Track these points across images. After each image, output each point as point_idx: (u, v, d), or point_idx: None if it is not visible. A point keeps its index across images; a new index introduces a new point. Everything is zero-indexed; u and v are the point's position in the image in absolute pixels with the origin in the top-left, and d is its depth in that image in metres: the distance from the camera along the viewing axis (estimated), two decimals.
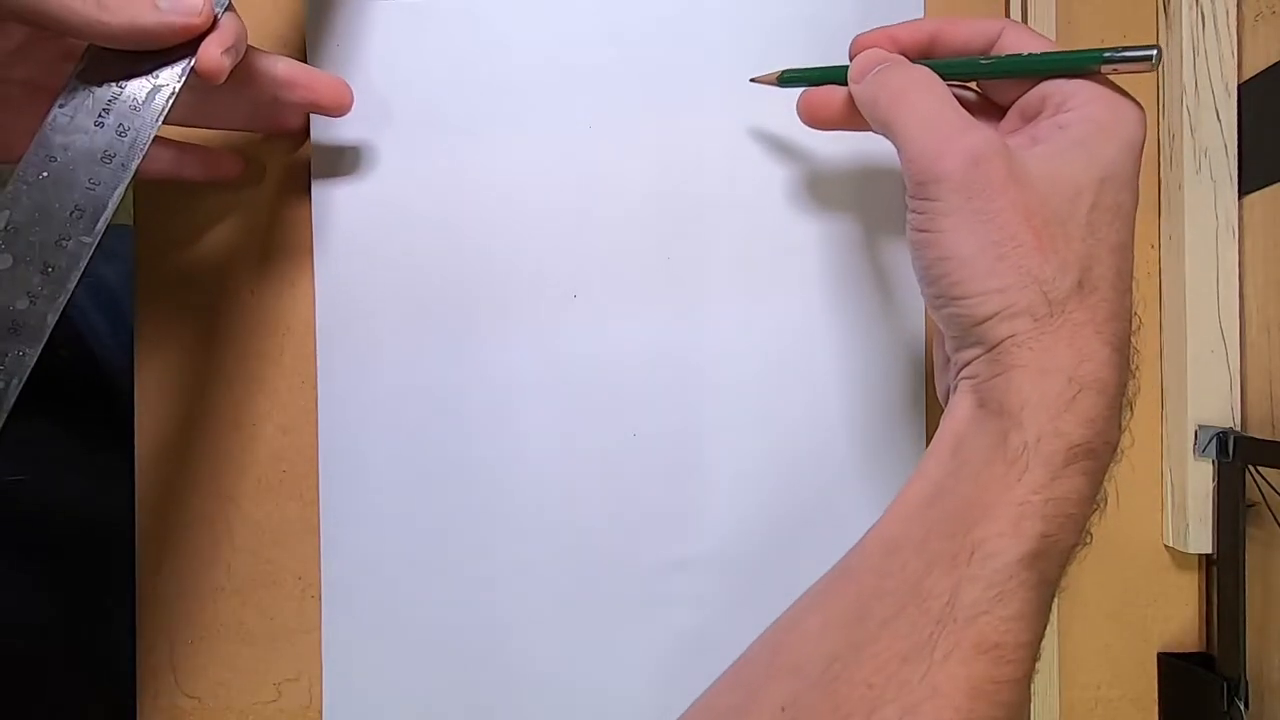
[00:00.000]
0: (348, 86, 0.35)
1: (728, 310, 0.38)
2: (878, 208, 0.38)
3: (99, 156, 0.28)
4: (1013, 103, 0.30)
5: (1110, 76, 0.28)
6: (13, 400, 0.27)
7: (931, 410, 0.38)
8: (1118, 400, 0.26)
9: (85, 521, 0.37)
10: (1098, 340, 0.26)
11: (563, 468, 0.38)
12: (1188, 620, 0.40)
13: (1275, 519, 0.36)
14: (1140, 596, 0.40)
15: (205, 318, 0.38)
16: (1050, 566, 0.25)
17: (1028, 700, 0.25)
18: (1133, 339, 0.27)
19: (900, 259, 0.38)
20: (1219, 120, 0.38)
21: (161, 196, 0.38)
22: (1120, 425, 0.26)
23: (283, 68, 0.33)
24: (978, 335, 0.26)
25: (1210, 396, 0.38)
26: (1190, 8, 0.38)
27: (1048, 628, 0.38)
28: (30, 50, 0.29)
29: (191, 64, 0.28)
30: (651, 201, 0.38)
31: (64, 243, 0.27)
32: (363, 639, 0.38)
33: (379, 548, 0.38)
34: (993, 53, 0.30)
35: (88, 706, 0.41)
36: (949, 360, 0.28)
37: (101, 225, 0.27)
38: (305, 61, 0.37)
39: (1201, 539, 0.38)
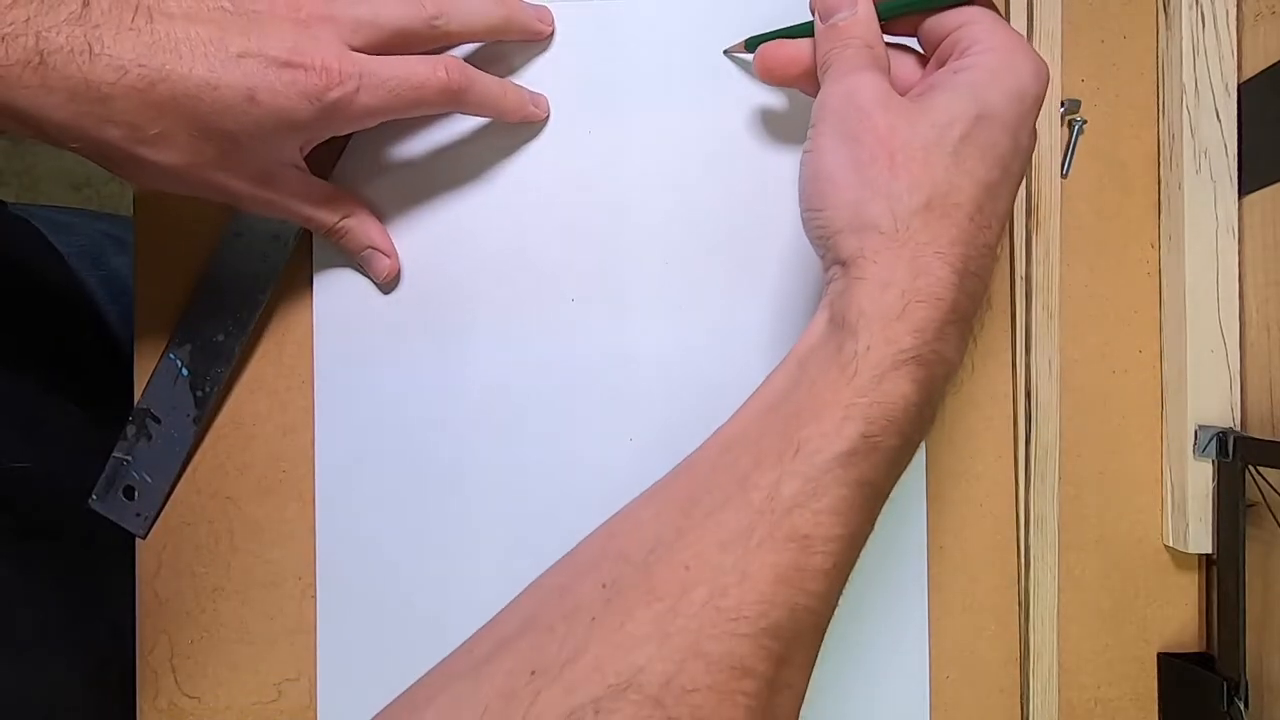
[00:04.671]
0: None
1: (726, 315, 0.38)
2: None
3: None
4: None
5: None
6: (212, 401, 0.37)
7: None
8: (953, 318, 0.27)
9: (87, 520, 0.37)
10: (938, 260, 0.27)
11: (559, 471, 0.38)
12: (1188, 620, 0.40)
13: (1275, 519, 0.36)
14: (1140, 596, 0.40)
15: None
16: (869, 467, 0.26)
17: (836, 592, 0.26)
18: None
19: None
20: (1219, 120, 0.38)
21: (161, 195, 0.38)
22: (956, 346, 0.28)
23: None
24: (835, 251, 0.28)
25: (1210, 396, 0.38)
26: (1190, 8, 0.38)
27: (1050, 628, 0.38)
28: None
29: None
30: (650, 207, 0.38)
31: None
32: (358, 639, 0.38)
33: (375, 548, 0.38)
34: None
35: (88, 706, 0.41)
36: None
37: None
38: None
39: (1201, 539, 0.38)
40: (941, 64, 0.31)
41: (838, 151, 0.29)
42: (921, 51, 0.33)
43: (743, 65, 0.38)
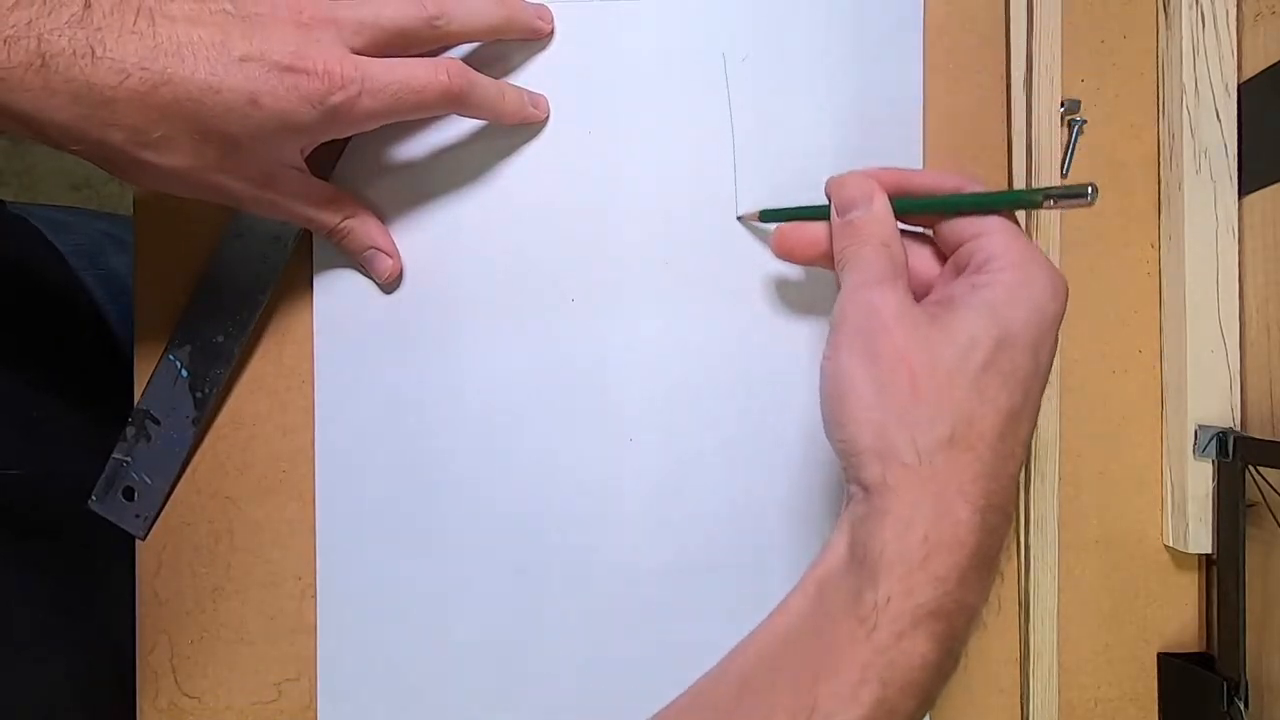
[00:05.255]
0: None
1: (727, 315, 0.38)
2: None
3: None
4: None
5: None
6: (211, 402, 0.37)
7: None
8: (975, 562, 0.26)
9: (86, 521, 0.37)
10: (960, 500, 0.26)
11: (559, 471, 0.38)
12: (1188, 620, 0.40)
13: (1275, 519, 0.36)
14: (1140, 596, 0.40)
15: None
16: None
17: None
18: (1019, 502, 0.28)
19: None
20: (1219, 120, 0.38)
21: (161, 195, 0.38)
22: (979, 590, 0.27)
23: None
24: (856, 471, 0.28)
25: (1210, 396, 0.38)
26: (1190, 7, 0.38)
27: (1050, 627, 0.38)
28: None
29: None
30: (650, 206, 0.38)
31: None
32: (358, 639, 0.38)
33: (375, 548, 0.38)
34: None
35: (88, 706, 0.41)
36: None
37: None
38: None
39: (1201, 539, 0.38)
40: (959, 270, 0.30)
41: (858, 368, 0.28)
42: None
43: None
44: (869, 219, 0.31)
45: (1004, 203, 0.30)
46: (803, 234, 0.34)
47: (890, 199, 0.31)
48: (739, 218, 0.38)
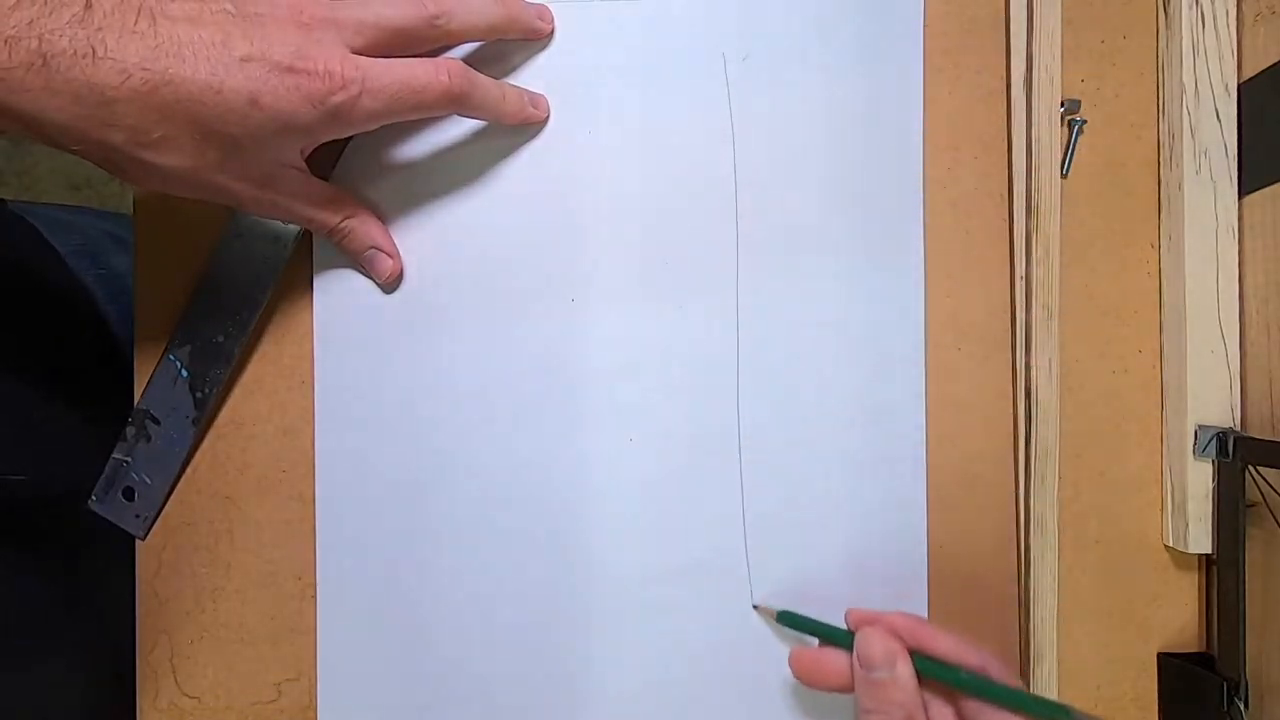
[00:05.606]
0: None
1: (725, 314, 0.38)
2: (874, 208, 0.38)
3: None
4: None
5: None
6: (211, 402, 0.38)
7: (931, 409, 0.38)
8: None
9: (86, 521, 0.37)
10: None
11: (559, 472, 0.38)
12: (1188, 620, 0.40)
13: (1275, 519, 0.36)
14: (1140, 596, 0.40)
15: None
16: None
17: None
18: None
19: (898, 282, 0.38)
20: (1219, 120, 0.38)
21: (161, 195, 0.38)
22: None
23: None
24: None
25: (1210, 396, 0.38)
26: (1190, 8, 0.38)
27: (1050, 628, 0.38)
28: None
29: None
30: (650, 207, 0.38)
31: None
32: (358, 639, 0.38)
33: (375, 549, 0.38)
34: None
35: (88, 707, 0.41)
36: None
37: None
38: None
39: (1201, 539, 0.38)
40: None
41: None
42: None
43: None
44: (892, 684, 0.31)
45: (1026, 706, 0.30)
46: (820, 664, 0.34)
47: (912, 654, 0.31)
48: (755, 606, 0.38)
